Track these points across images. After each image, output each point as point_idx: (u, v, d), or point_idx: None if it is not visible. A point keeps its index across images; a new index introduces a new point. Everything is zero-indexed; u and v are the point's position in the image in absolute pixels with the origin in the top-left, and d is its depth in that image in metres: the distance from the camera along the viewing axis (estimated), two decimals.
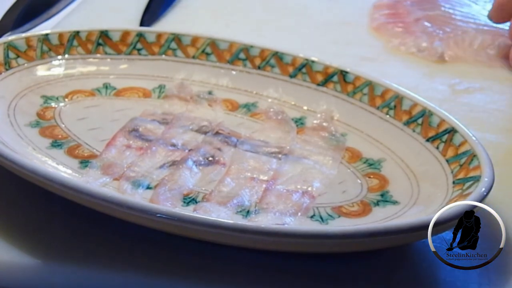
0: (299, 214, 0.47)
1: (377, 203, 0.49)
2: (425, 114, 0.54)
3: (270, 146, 0.54)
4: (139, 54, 0.61)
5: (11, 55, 0.57)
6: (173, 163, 0.51)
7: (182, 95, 0.59)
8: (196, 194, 0.49)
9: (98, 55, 0.61)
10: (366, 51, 0.74)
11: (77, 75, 0.59)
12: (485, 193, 0.45)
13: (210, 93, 0.60)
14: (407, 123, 0.55)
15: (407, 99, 0.55)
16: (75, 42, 0.60)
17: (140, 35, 0.61)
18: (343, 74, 0.58)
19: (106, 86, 0.59)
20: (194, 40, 0.62)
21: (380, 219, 0.48)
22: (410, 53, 0.73)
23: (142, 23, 0.75)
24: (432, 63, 0.72)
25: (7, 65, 0.57)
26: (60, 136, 0.53)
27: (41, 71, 0.58)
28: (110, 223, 0.44)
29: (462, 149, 0.50)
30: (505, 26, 0.74)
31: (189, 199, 0.48)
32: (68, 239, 0.45)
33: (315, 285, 0.44)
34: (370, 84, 0.57)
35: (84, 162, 0.50)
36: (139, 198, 0.47)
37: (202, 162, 0.52)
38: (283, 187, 0.50)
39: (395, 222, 0.46)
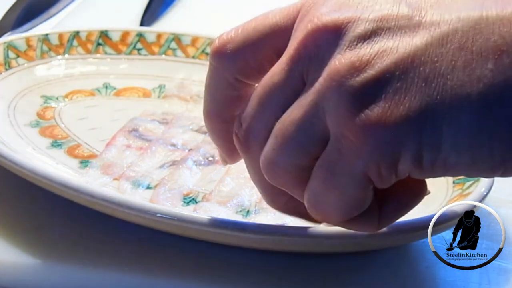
0: None
1: None
2: None
3: None
4: (139, 54, 0.61)
5: (11, 55, 0.57)
6: (173, 163, 0.51)
7: (182, 95, 0.59)
8: (196, 194, 0.49)
9: (98, 55, 0.61)
10: None
11: (77, 75, 0.59)
12: (485, 193, 0.45)
13: None
14: None
15: None
16: (75, 42, 0.60)
17: (140, 35, 0.61)
18: None
19: (106, 86, 0.59)
20: (194, 40, 0.62)
21: None
22: None
23: (142, 23, 0.75)
24: None
25: (7, 65, 0.57)
26: (60, 136, 0.53)
27: (41, 71, 0.58)
28: (110, 223, 0.44)
29: None
30: None
31: (189, 199, 0.48)
32: (68, 239, 0.45)
33: (315, 285, 0.44)
34: None
35: (84, 162, 0.50)
36: (139, 198, 0.47)
37: (202, 162, 0.52)
38: None
39: (395, 222, 0.45)
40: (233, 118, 0.39)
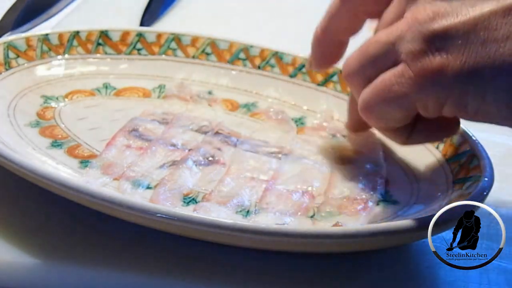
0: (299, 214, 0.47)
1: (377, 203, 0.49)
2: None
3: (270, 146, 0.54)
4: (139, 54, 0.61)
5: (11, 55, 0.57)
6: (173, 163, 0.51)
7: (182, 95, 0.59)
8: (196, 194, 0.49)
9: (98, 55, 0.61)
10: None
11: (77, 75, 0.59)
12: (485, 193, 0.45)
13: (210, 93, 0.60)
14: None
15: None
16: (75, 42, 0.60)
17: (140, 35, 0.61)
18: None
19: (106, 86, 0.59)
20: (194, 40, 0.62)
21: (380, 219, 0.48)
22: None
23: (142, 23, 0.75)
24: None
25: (7, 65, 0.57)
26: (60, 136, 0.53)
27: (41, 71, 0.58)
28: (110, 223, 0.44)
29: (462, 149, 0.50)
30: None
31: (189, 199, 0.48)
32: (68, 239, 0.45)
33: (315, 285, 0.44)
34: None
35: (84, 162, 0.50)
36: (139, 198, 0.47)
37: (202, 162, 0.52)
38: (283, 187, 0.50)
39: (395, 222, 0.46)
40: (337, 40, 0.52)
